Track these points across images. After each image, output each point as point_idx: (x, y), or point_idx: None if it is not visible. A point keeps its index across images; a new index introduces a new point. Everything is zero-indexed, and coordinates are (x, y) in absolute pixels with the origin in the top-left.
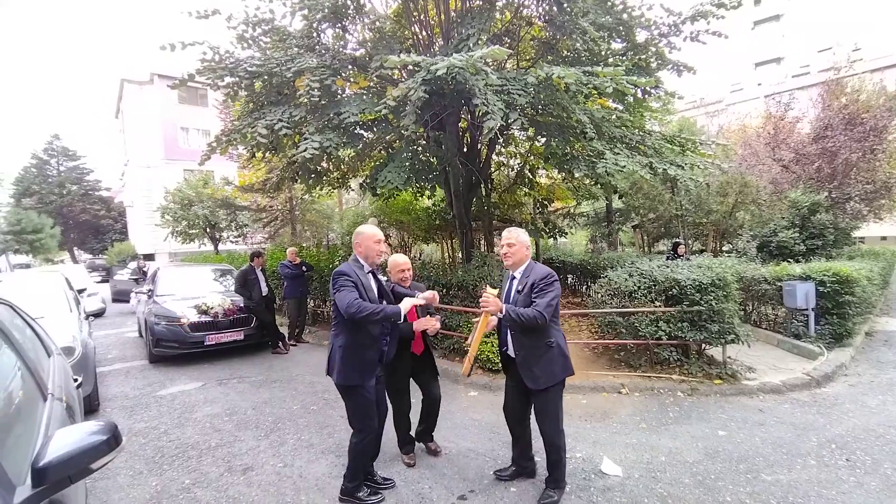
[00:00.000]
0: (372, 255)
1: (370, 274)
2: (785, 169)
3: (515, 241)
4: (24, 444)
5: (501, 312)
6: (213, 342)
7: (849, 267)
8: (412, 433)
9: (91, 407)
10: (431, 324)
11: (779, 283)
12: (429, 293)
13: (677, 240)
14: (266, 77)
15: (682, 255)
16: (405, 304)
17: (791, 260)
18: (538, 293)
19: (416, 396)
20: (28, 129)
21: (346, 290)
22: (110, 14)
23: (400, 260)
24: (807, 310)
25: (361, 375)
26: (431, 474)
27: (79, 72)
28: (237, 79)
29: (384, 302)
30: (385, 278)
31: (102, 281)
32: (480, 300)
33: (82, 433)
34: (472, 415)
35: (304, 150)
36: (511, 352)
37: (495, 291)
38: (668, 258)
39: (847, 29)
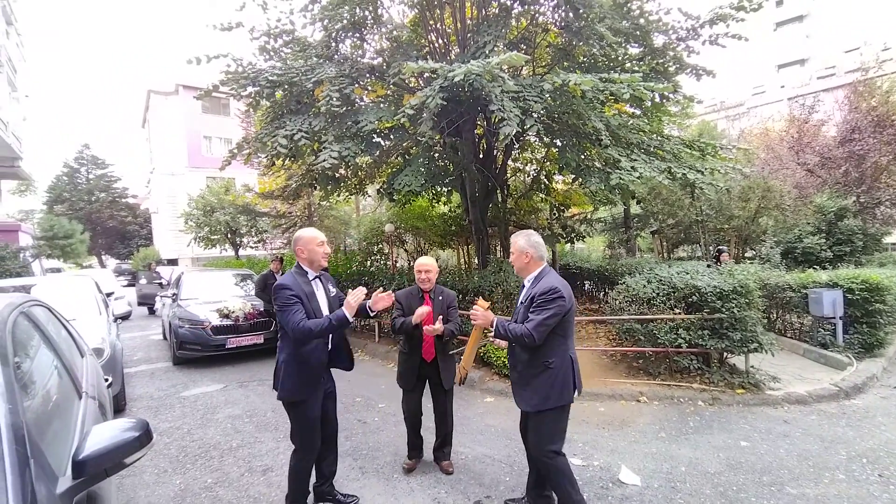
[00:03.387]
0: (317, 259)
1: (316, 280)
2: (810, 173)
3: (513, 247)
4: (62, 438)
5: (492, 326)
6: (235, 345)
7: (879, 274)
8: (420, 441)
9: (118, 406)
10: (436, 328)
11: (804, 291)
12: (423, 309)
13: (721, 246)
14: (287, 86)
15: (725, 263)
16: (352, 300)
17: (817, 267)
18: (535, 309)
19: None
20: (60, 139)
21: (289, 312)
22: (139, 28)
23: (422, 259)
24: (834, 318)
25: (304, 390)
26: (447, 479)
27: (109, 84)
28: (259, 88)
29: (331, 307)
30: (334, 290)
31: (129, 285)
32: (470, 312)
33: (117, 429)
34: (488, 420)
35: (324, 161)
36: None
37: (486, 304)
38: (709, 266)
39: (875, 28)
